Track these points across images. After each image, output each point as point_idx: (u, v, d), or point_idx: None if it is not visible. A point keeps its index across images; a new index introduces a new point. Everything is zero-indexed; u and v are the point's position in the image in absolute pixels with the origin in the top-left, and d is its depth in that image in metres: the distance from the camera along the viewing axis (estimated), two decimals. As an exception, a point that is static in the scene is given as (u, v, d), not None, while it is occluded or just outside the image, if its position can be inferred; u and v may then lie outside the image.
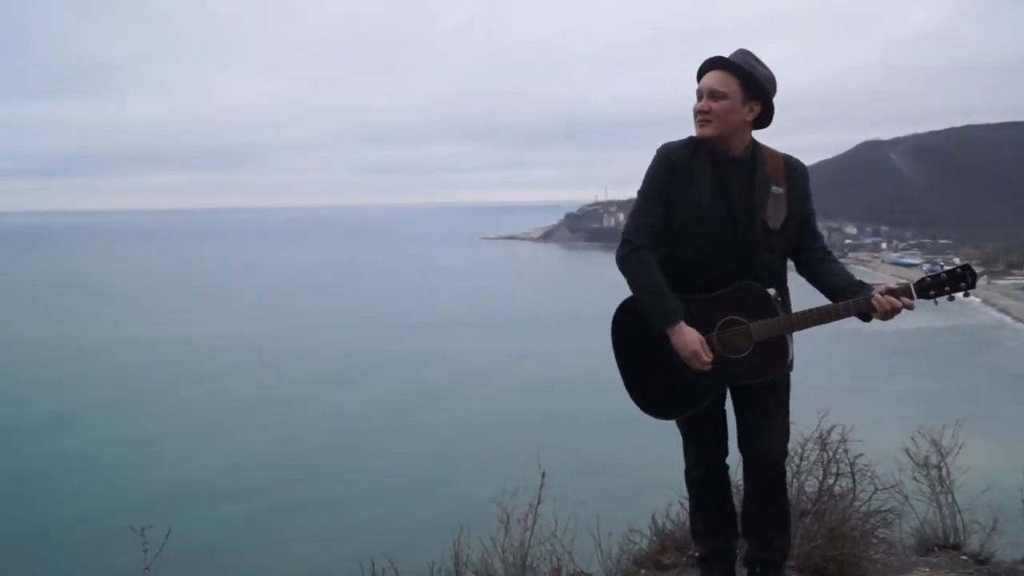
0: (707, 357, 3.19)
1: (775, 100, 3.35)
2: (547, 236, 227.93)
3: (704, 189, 3.28)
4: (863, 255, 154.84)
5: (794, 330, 3.28)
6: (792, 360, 3.36)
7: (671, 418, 3.48)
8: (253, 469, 40.72)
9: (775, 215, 3.31)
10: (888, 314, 3.16)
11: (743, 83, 3.23)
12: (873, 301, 3.15)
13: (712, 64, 3.28)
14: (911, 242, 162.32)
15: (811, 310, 3.27)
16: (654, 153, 3.37)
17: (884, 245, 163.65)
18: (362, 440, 45.85)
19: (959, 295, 3.22)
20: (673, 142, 3.39)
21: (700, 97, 3.27)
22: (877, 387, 53.64)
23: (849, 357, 59.88)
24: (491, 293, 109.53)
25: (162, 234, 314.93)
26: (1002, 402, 43.74)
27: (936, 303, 3.26)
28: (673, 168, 3.31)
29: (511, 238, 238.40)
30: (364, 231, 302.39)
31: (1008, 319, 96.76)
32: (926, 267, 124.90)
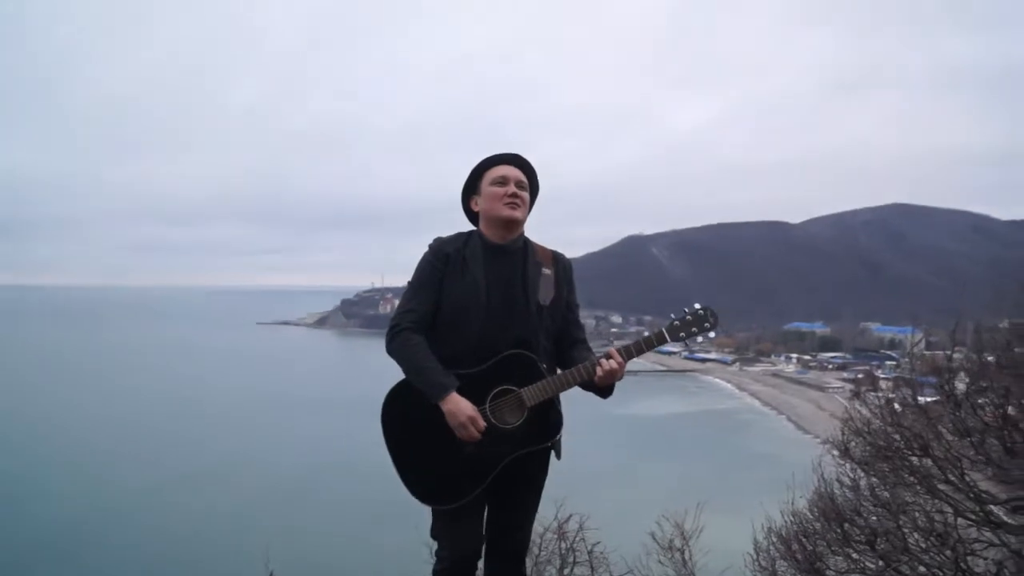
0: (480, 425, 3.25)
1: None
2: (322, 322, 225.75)
3: (479, 275, 3.42)
4: (628, 342, 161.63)
5: (561, 390, 3.37)
6: (559, 444, 3.51)
7: (450, 503, 3.37)
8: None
9: (545, 294, 3.48)
10: (609, 374, 3.34)
11: (531, 185, 3.59)
12: (596, 366, 3.35)
13: (519, 160, 3.58)
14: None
15: (569, 370, 3.39)
16: (426, 247, 3.53)
17: (647, 333, 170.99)
18: (90, 535, 42.61)
19: (702, 336, 3.43)
20: (444, 236, 3.57)
21: (505, 183, 3.49)
22: (631, 472, 55.04)
23: (607, 442, 61.58)
24: (254, 379, 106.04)
25: None
26: (747, 482, 45.86)
27: (687, 344, 3.46)
28: (447, 259, 3.46)
29: (285, 323, 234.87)
30: (132, 313, 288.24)
31: (757, 403, 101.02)
32: (684, 354, 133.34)
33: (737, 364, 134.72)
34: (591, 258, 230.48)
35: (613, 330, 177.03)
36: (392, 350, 3.40)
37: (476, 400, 3.30)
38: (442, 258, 3.46)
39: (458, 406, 3.24)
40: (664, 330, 3.41)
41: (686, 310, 3.46)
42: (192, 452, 62.16)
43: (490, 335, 3.37)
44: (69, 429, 70.99)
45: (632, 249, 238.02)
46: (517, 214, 3.49)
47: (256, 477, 54.96)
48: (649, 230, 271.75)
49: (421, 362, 3.32)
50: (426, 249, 3.53)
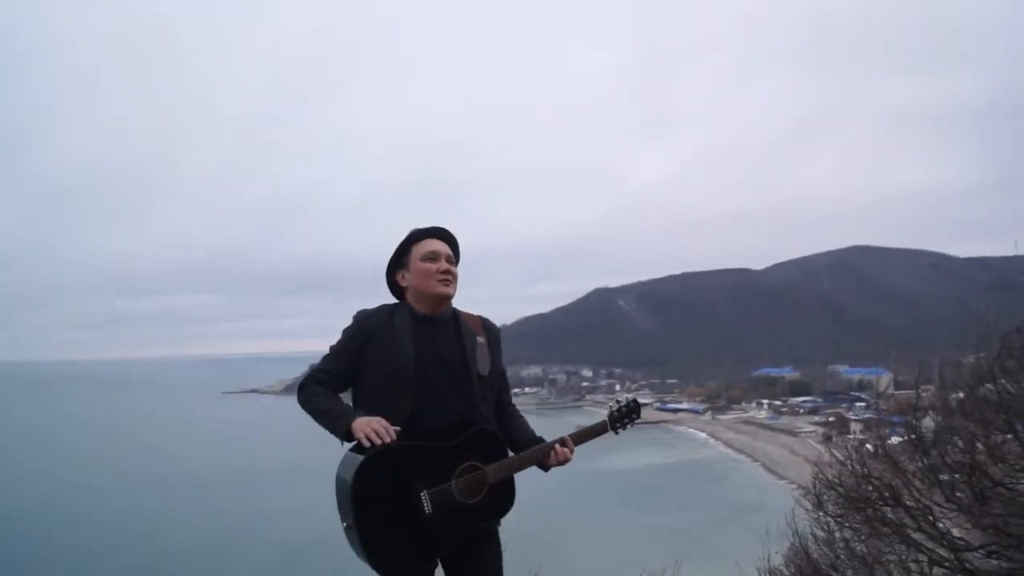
0: (390, 428, 3.24)
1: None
2: (290, 388, 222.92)
3: (409, 346, 3.45)
4: (599, 396, 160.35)
5: (520, 469, 3.52)
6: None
7: (407, 575, 3.34)
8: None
9: (483, 363, 3.58)
10: (560, 463, 3.56)
11: (456, 257, 3.68)
12: (552, 450, 3.56)
13: (447, 235, 3.69)
14: (642, 383, 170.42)
15: (526, 452, 3.56)
16: (351, 319, 3.53)
17: (618, 386, 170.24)
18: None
19: (631, 424, 3.82)
20: (368, 309, 3.60)
21: (436, 258, 3.58)
22: (607, 527, 54.27)
23: (582, 498, 61.24)
24: (219, 450, 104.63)
25: None
26: (724, 533, 45.25)
27: (618, 433, 3.79)
28: (372, 331, 3.48)
29: (253, 391, 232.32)
30: (92, 388, 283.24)
31: (731, 451, 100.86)
32: (656, 405, 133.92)
33: (709, 413, 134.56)
34: (559, 313, 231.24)
35: (584, 384, 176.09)
36: (303, 405, 3.42)
37: (443, 475, 3.33)
38: (365, 331, 3.48)
39: (366, 418, 3.25)
40: (606, 420, 3.75)
41: (619, 402, 3.81)
42: (146, 532, 60.80)
43: (424, 404, 3.38)
44: (21, 511, 68.95)
45: (599, 302, 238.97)
46: (451, 290, 3.59)
47: (213, 557, 53.96)
48: (615, 283, 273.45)
49: (322, 405, 3.36)
50: (350, 321, 3.54)
